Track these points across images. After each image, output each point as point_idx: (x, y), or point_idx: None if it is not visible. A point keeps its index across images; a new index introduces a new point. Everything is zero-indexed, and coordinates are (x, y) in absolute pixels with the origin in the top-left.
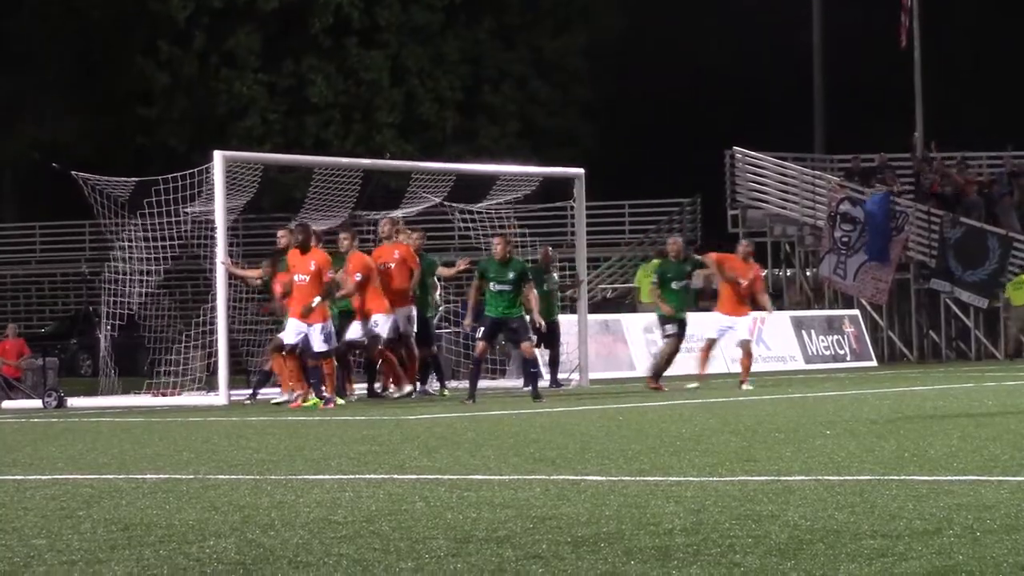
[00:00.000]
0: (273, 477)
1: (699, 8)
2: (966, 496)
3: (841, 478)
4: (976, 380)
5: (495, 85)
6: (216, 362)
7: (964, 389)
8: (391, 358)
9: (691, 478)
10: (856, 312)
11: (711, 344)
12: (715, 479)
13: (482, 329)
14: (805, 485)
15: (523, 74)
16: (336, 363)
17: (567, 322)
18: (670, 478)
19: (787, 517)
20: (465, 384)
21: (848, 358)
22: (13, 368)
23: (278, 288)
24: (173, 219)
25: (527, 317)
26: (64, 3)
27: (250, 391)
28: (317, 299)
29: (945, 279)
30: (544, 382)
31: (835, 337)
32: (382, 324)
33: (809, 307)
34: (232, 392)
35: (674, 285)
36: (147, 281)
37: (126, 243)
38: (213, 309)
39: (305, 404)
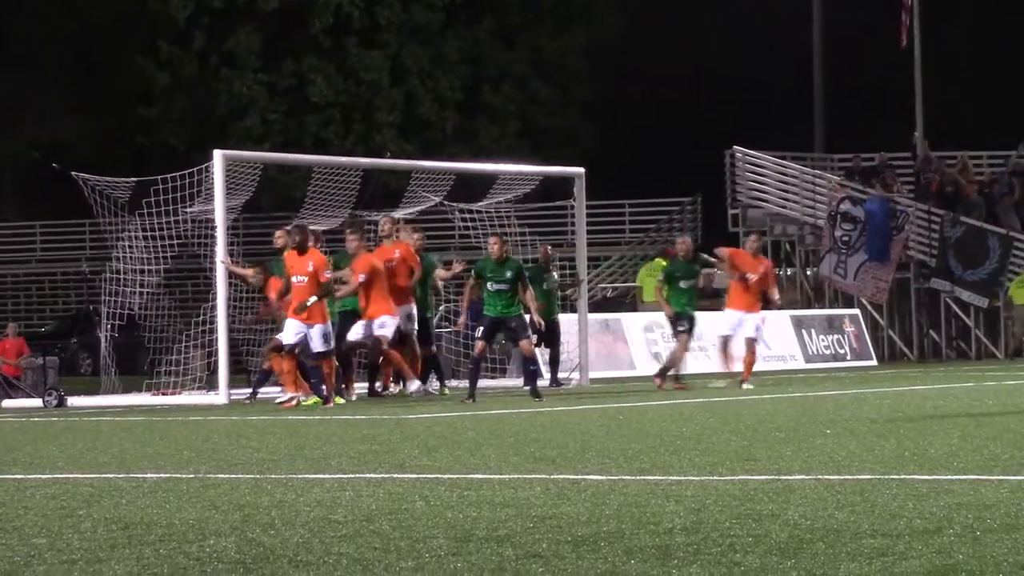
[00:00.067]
0: (273, 476)
1: (699, 7)
2: (966, 495)
3: (841, 477)
4: (976, 379)
5: (495, 85)
6: (216, 361)
7: (964, 388)
8: (396, 357)
9: (691, 477)
10: (856, 311)
11: (727, 341)
12: (715, 478)
13: (481, 329)
14: (805, 484)
15: (523, 74)
16: (337, 363)
17: (567, 321)
18: (670, 477)
19: (787, 516)
20: (465, 383)
21: (848, 357)
22: (13, 367)
23: (273, 294)
24: (173, 219)
25: (526, 317)
26: (64, 3)
27: (250, 390)
28: (313, 298)
29: (945, 278)
30: (544, 381)
31: (835, 336)
32: (389, 326)
33: (809, 306)
34: (232, 391)
35: (683, 284)
36: (147, 280)
37: (126, 243)
38: (213, 308)
39: (306, 403)
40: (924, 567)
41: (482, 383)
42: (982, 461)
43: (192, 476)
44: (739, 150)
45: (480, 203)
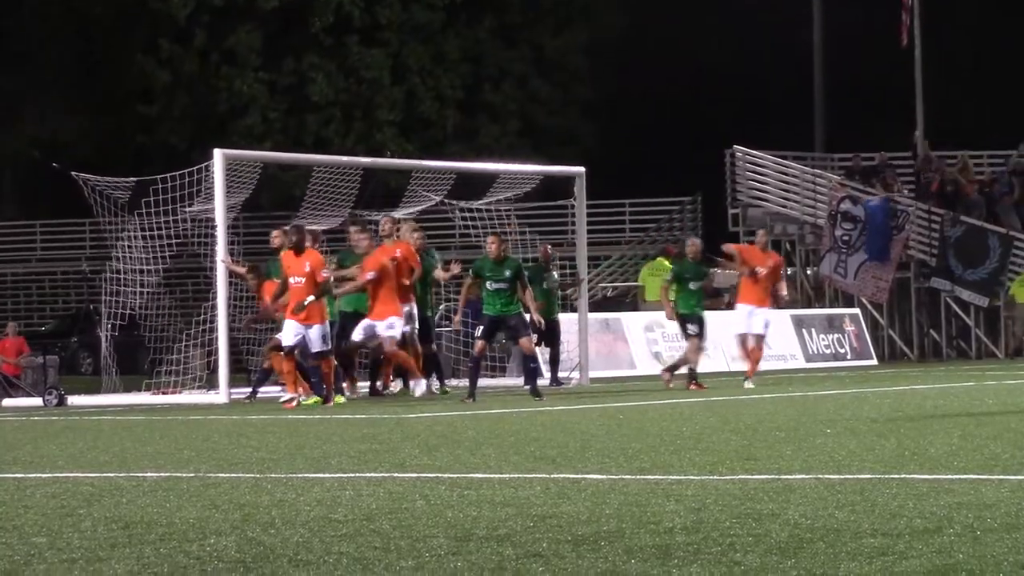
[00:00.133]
0: (273, 475)
1: (700, 7)
2: (967, 495)
3: (842, 476)
4: (976, 379)
5: (496, 84)
6: (216, 361)
7: (964, 388)
8: (404, 358)
9: (691, 477)
10: (857, 311)
11: (745, 337)
12: (715, 478)
13: (481, 328)
14: (806, 484)
15: (524, 73)
16: (338, 362)
17: (567, 320)
18: (670, 477)
19: (787, 516)
20: (464, 382)
21: (849, 357)
22: (13, 366)
23: (267, 298)
24: (173, 218)
25: (526, 316)
26: (64, 2)
27: (250, 389)
28: (311, 297)
29: (946, 278)
30: (544, 380)
31: (836, 336)
32: (397, 327)
33: (810, 306)
34: (232, 390)
35: (691, 286)
36: (147, 280)
37: (126, 242)
38: (213, 308)
39: (306, 403)
40: (924, 566)
41: (482, 382)
42: (982, 460)
43: (192, 475)
44: (739, 149)
45: (480, 202)
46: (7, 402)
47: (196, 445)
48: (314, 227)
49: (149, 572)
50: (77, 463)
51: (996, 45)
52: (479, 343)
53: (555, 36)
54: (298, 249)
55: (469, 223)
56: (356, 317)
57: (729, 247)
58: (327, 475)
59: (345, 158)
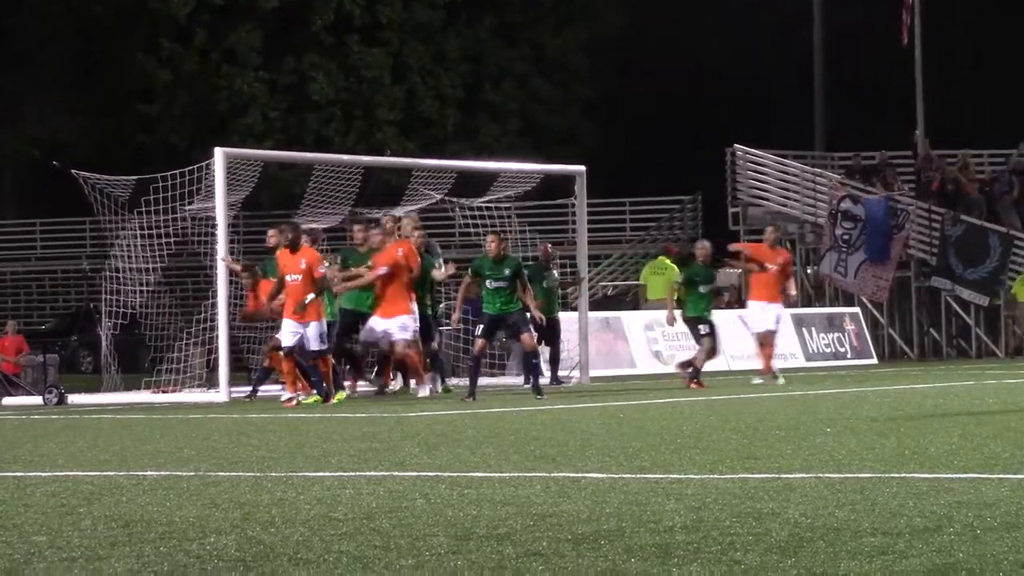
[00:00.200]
0: (273, 474)
1: (700, 6)
2: (967, 494)
3: (842, 476)
4: (977, 378)
5: (496, 83)
6: (216, 359)
7: (965, 387)
8: (414, 360)
9: (692, 475)
10: (857, 310)
11: (761, 337)
12: (716, 476)
13: (481, 327)
14: (806, 483)
15: (524, 72)
16: (338, 359)
17: (568, 319)
18: (671, 475)
19: (788, 515)
20: (464, 380)
21: (849, 356)
22: (12, 365)
23: (263, 296)
24: (173, 216)
25: (527, 314)
26: (64, 2)
27: (250, 388)
28: (311, 295)
29: (946, 277)
30: (544, 379)
31: (836, 335)
32: (409, 328)
33: (810, 305)
34: (232, 389)
35: (702, 289)
36: (147, 278)
37: (126, 241)
38: (213, 306)
39: (306, 402)
40: (924, 565)
41: (482, 381)
42: (982, 459)
43: (192, 474)
44: (740, 148)
45: (481, 200)
46: (7, 400)
47: (196, 444)
48: (314, 225)
49: (149, 571)
50: (77, 461)
51: (996, 44)
52: (479, 342)
53: (555, 35)
54: (294, 247)
55: (470, 221)
56: (356, 316)
57: (737, 246)
58: (327, 474)
59: (346, 156)
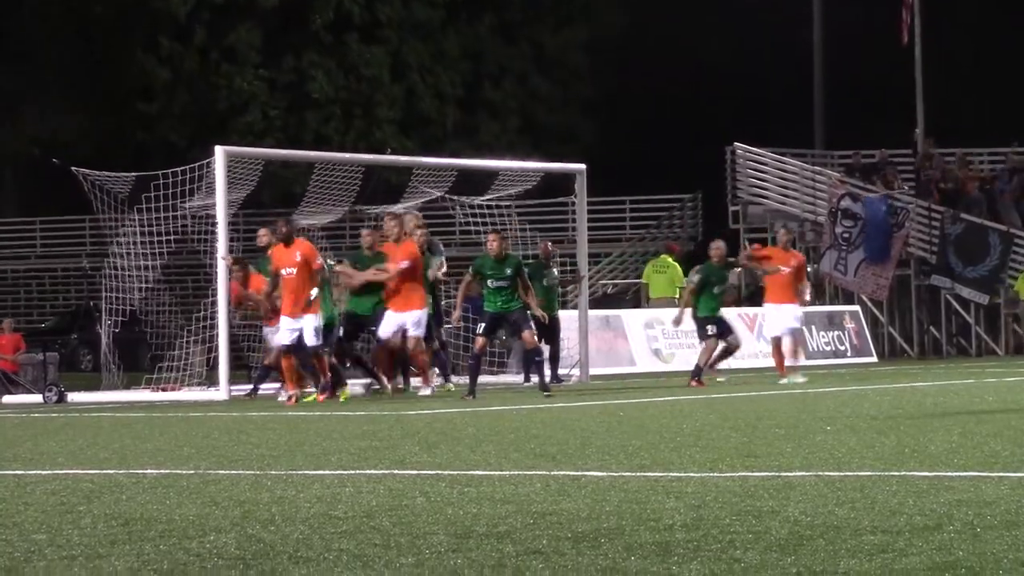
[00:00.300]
0: (273, 472)
1: (700, 5)
2: (967, 492)
3: (841, 474)
4: (976, 376)
5: (496, 81)
6: (216, 357)
7: (964, 385)
8: (423, 361)
9: (691, 474)
10: (857, 308)
11: (778, 342)
12: (715, 475)
13: (482, 325)
14: (805, 481)
15: (524, 70)
16: (343, 360)
17: (568, 318)
18: (670, 474)
19: (787, 513)
20: (464, 379)
21: (849, 354)
22: (10, 363)
23: (251, 291)
24: (173, 214)
25: (528, 313)
26: (64, 2)
27: (251, 386)
28: (315, 291)
29: (946, 275)
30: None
31: (836, 333)
32: (423, 324)
33: (810, 303)
34: (232, 387)
35: (716, 289)
36: (147, 276)
37: (127, 238)
38: (214, 304)
39: (306, 400)
40: (924, 564)
41: (482, 379)
42: (982, 458)
43: (192, 472)
44: (740, 147)
45: (481, 199)
46: (7, 399)
47: (196, 442)
48: (311, 221)
49: (149, 569)
50: (77, 460)
51: (996, 43)
52: (480, 340)
53: (555, 33)
54: (287, 241)
55: (470, 220)
56: (357, 319)
57: (747, 252)
58: (327, 472)
59: (346, 155)
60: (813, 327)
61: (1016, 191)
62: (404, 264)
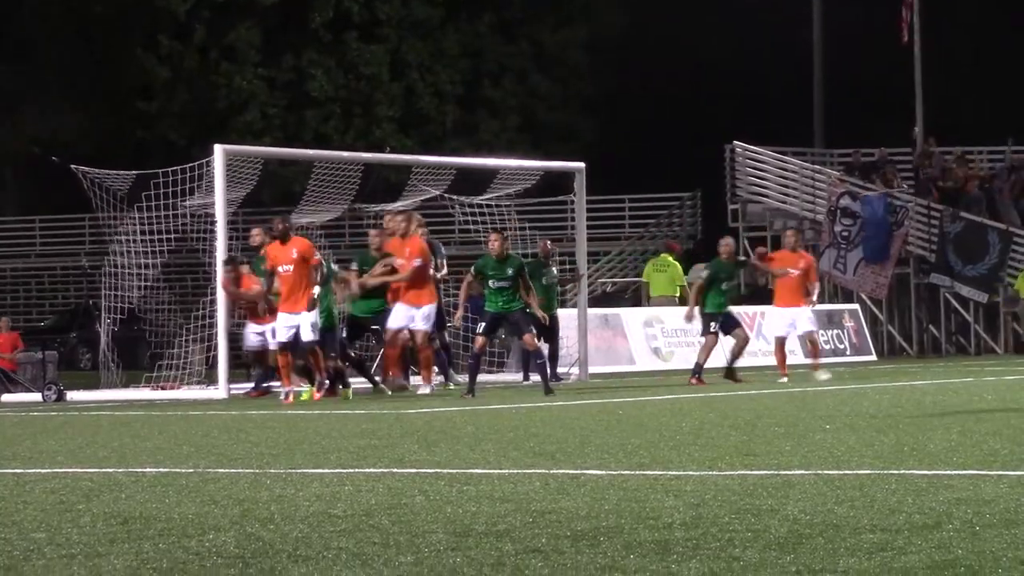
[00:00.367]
0: (272, 471)
1: (700, 4)
2: (966, 490)
3: (840, 472)
4: (976, 375)
5: (495, 79)
6: (216, 356)
7: (964, 384)
8: (428, 356)
9: (691, 472)
10: (856, 306)
11: (782, 342)
12: (715, 473)
13: (482, 324)
14: (805, 479)
15: (523, 68)
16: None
17: (567, 316)
18: (670, 472)
19: (787, 511)
20: (464, 378)
21: (848, 352)
22: (8, 362)
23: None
24: (172, 212)
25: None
26: (64, 2)
27: (251, 385)
28: (317, 288)
29: (945, 274)
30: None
31: (835, 331)
32: (432, 318)
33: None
34: (232, 386)
35: (724, 286)
36: (146, 274)
37: (127, 236)
38: (212, 303)
39: (302, 398)
40: (923, 562)
41: (481, 377)
42: (981, 456)
43: (191, 471)
44: (739, 145)
45: (480, 198)
46: (6, 397)
47: (195, 440)
48: (310, 219)
49: (148, 568)
50: (76, 458)
51: (996, 41)
52: (480, 339)
53: (555, 32)
54: (283, 238)
55: (469, 219)
56: (359, 321)
57: (757, 255)
58: (326, 470)
59: (346, 153)
60: None
61: (1015, 189)
62: (417, 262)
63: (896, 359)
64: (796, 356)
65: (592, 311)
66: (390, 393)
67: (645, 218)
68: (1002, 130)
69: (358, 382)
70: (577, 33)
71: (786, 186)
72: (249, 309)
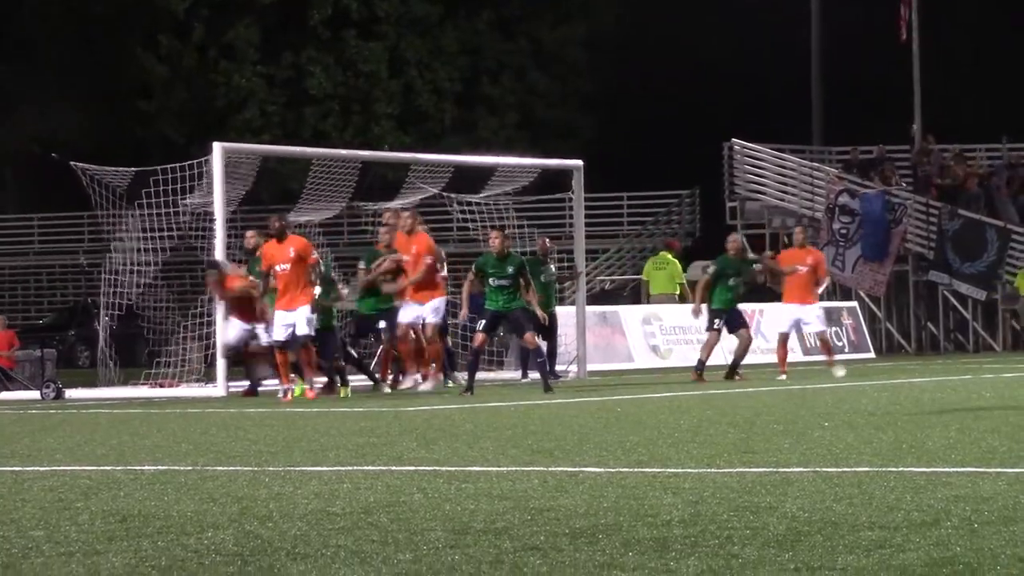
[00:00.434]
0: (271, 468)
1: (699, 3)
2: (964, 488)
3: (839, 470)
4: (974, 372)
5: (494, 76)
6: (214, 353)
7: (962, 381)
8: (436, 351)
9: (689, 469)
10: (854, 304)
11: (785, 339)
12: (713, 470)
13: (482, 321)
14: (803, 477)
15: (522, 65)
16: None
17: (565, 314)
18: (668, 469)
19: (785, 508)
20: (463, 375)
21: (846, 350)
22: (5, 359)
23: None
24: (172, 210)
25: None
26: (64, 2)
27: (248, 383)
28: (317, 288)
29: (943, 271)
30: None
31: (833, 329)
32: (441, 310)
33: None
34: (230, 384)
35: (731, 282)
36: (145, 272)
37: (124, 234)
38: (211, 300)
39: (296, 394)
40: (922, 559)
41: (480, 375)
42: (980, 454)
43: (190, 468)
44: (737, 143)
45: (479, 195)
46: (4, 395)
47: (194, 438)
48: (308, 217)
49: (147, 565)
50: (75, 456)
51: (995, 40)
52: (479, 336)
53: (553, 29)
54: (280, 236)
55: (467, 216)
56: (364, 318)
57: (766, 259)
58: (325, 468)
59: (344, 151)
60: None
61: (1014, 187)
62: (428, 260)
63: (894, 357)
64: (795, 354)
65: (590, 309)
66: (388, 390)
67: (643, 216)
68: (1000, 128)
69: (357, 380)
70: (576, 30)
71: (785, 184)
72: (237, 308)
